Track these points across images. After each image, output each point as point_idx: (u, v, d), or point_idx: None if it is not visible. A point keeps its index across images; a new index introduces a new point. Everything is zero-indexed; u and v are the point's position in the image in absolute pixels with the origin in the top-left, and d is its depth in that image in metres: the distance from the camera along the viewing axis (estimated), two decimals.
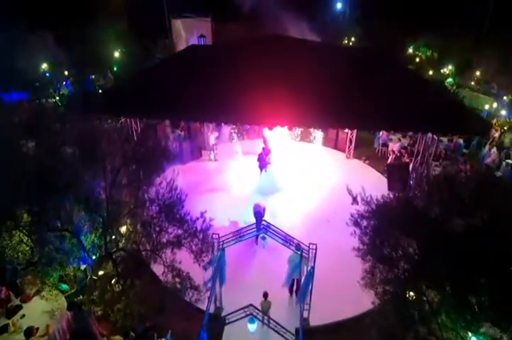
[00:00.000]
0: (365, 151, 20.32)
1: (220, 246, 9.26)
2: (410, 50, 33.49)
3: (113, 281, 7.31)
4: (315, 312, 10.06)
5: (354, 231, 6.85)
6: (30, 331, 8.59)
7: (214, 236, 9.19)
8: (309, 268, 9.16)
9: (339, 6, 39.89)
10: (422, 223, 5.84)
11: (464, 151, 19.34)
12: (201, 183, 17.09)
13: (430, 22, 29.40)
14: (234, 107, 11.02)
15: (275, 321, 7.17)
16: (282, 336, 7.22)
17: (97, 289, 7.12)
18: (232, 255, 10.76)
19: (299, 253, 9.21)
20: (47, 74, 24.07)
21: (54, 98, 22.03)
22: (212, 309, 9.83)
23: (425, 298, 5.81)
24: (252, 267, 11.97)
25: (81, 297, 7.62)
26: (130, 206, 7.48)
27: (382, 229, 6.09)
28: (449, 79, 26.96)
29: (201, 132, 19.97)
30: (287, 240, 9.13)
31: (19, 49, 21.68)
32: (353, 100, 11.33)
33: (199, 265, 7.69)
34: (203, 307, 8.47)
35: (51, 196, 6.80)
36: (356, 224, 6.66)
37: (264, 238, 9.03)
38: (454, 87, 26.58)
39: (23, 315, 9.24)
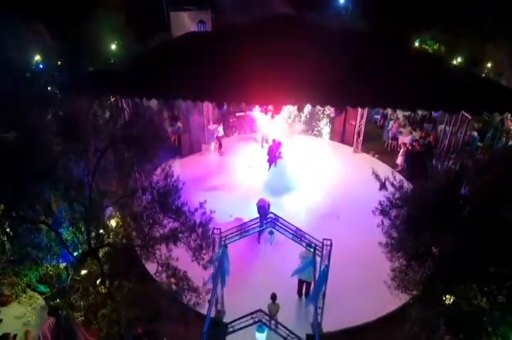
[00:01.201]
0: (373, 145, 19.27)
1: (222, 243, 8.21)
2: (417, 44, 32.50)
3: (97, 282, 6.24)
4: (328, 317, 9.02)
5: (382, 222, 5.78)
6: (5, 338, 7.56)
7: (215, 231, 8.15)
8: (323, 266, 8.10)
9: (342, 0, 39.04)
10: (470, 210, 4.79)
11: (479, 144, 18.31)
12: (201, 178, 16.00)
13: (436, 15, 28.47)
14: (235, 85, 9.93)
15: (288, 329, 6.11)
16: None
17: (78, 291, 6.06)
18: (236, 253, 9.73)
19: (311, 250, 8.16)
20: (41, 66, 23.16)
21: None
22: (213, 313, 8.84)
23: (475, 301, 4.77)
24: (257, 266, 10.93)
25: (58, 300, 6.52)
26: (118, 195, 6.42)
27: (418, 219, 5.04)
28: None
29: (201, 124, 18.95)
30: (297, 235, 8.07)
31: (12, 40, 20.80)
32: (374, 76, 10.21)
33: (198, 263, 6.64)
34: (203, 311, 7.43)
35: (25, 183, 5.76)
36: (384, 213, 5.57)
37: (271, 232, 8.02)
38: None
39: (0, 320, 8.21)
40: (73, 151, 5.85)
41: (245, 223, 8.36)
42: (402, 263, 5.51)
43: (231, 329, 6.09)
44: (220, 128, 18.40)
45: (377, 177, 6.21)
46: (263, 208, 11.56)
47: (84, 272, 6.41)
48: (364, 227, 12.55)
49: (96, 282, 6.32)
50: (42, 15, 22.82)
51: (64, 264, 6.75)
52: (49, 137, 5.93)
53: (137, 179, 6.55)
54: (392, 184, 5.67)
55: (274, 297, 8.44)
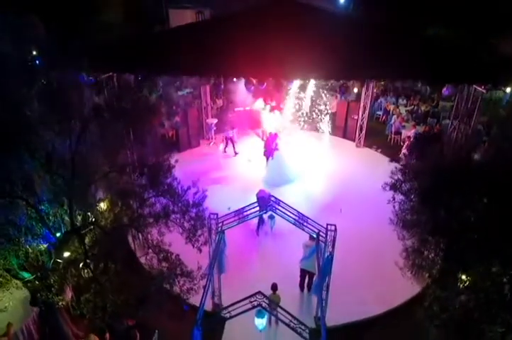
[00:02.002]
0: (376, 140, 18.76)
1: (219, 229, 7.68)
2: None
3: (81, 265, 5.70)
4: (332, 310, 8.45)
5: (393, 198, 5.25)
6: None
7: (212, 216, 7.63)
8: (327, 254, 7.56)
9: (342, 0, 38.80)
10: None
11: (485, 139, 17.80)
12: (199, 173, 15.32)
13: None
14: (247, 60, 9.35)
15: (290, 314, 5.55)
16: (300, 335, 5.59)
17: (59, 274, 5.51)
18: (234, 244, 9.18)
19: (314, 236, 7.62)
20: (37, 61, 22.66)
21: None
22: (209, 307, 8.28)
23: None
24: (257, 258, 10.39)
25: (37, 282, 5.94)
26: (105, 170, 5.89)
27: (434, 189, 4.52)
28: None
29: (199, 119, 18.51)
30: (300, 220, 7.54)
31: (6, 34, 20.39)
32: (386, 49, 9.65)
33: (193, 245, 6.11)
34: (198, 303, 6.88)
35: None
36: (395, 188, 5.05)
37: (271, 217, 7.48)
38: None
39: None
40: (55, 120, 5.32)
41: (243, 208, 7.82)
42: (416, 240, 4.98)
43: (228, 315, 5.53)
44: (233, 131, 17.50)
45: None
46: (263, 199, 11.01)
47: (67, 254, 5.86)
48: (369, 219, 12.17)
49: (79, 264, 5.76)
50: (41, 10, 22.40)
51: (46, 246, 6.18)
52: (30, 106, 5.42)
53: (127, 154, 5.99)
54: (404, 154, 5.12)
55: (274, 287, 7.88)
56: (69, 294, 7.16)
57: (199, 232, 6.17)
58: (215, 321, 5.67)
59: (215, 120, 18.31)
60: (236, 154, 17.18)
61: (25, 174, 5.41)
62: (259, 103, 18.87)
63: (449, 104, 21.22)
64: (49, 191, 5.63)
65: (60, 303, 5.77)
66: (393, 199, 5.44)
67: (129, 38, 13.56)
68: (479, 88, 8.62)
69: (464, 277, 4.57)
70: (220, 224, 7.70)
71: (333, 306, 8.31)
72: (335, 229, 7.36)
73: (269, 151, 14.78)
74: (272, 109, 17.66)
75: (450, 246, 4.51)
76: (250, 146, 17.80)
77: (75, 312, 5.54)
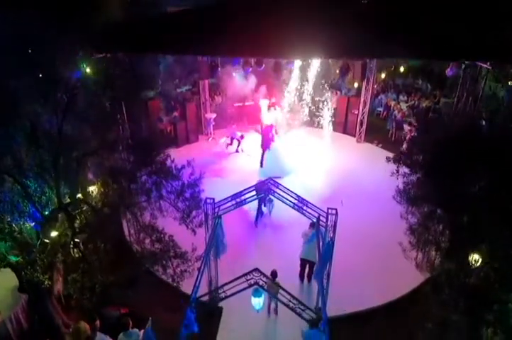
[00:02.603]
0: (377, 135, 18.51)
1: (216, 214, 7.40)
2: None
3: (70, 244, 5.41)
4: (332, 300, 8.15)
5: (397, 171, 4.99)
6: None
7: (208, 200, 7.35)
8: (327, 239, 7.28)
9: None
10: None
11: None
12: (197, 167, 15.20)
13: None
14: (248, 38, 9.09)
15: (290, 294, 5.25)
16: (300, 315, 5.30)
17: (47, 254, 5.23)
18: (231, 231, 8.89)
19: (314, 220, 7.34)
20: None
21: None
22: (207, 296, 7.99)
23: None
24: (255, 247, 10.11)
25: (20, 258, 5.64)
26: (94, 146, 5.63)
27: (441, 159, 4.26)
28: None
29: (198, 114, 18.29)
30: (300, 203, 7.26)
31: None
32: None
33: (187, 226, 5.83)
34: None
35: None
36: (399, 161, 4.79)
37: (270, 200, 7.19)
38: None
39: None
40: (40, 90, 5.06)
41: (240, 192, 7.55)
42: (422, 214, 4.71)
43: (222, 295, 5.24)
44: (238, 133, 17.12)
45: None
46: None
47: (54, 233, 5.58)
48: (370, 211, 11.90)
49: (68, 244, 5.48)
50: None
51: (33, 224, 5.88)
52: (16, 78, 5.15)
53: (119, 130, 5.73)
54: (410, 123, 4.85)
55: (274, 274, 7.58)
56: (58, 280, 6.87)
57: (194, 213, 5.88)
58: (210, 303, 5.36)
59: (213, 115, 18.08)
60: (238, 151, 16.91)
61: (11, 149, 5.15)
62: (259, 99, 18.67)
63: (450, 100, 21.04)
64: (36, 167, 5.36)
65: (46, 283, 5.44)
66: (397, 172, 5.16)
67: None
68: (484, 65, 8.36)
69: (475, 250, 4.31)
70: (216, 209, 7.42)
71: (334, 295, 8.02)
72: (336, 213, 7.08)
73: (266, 142, 14.56)
74: (272, 105, 17.42)
75: (460, 218, 4.25)
76: (249, 140, 17.53)
77: (66, 292, 5.18)
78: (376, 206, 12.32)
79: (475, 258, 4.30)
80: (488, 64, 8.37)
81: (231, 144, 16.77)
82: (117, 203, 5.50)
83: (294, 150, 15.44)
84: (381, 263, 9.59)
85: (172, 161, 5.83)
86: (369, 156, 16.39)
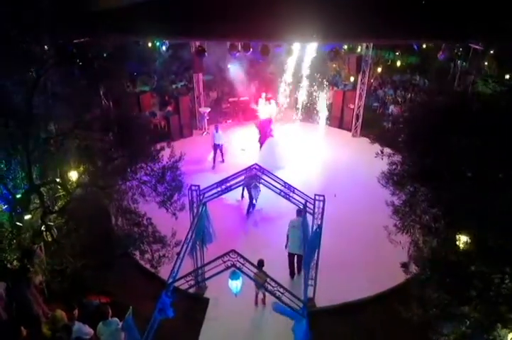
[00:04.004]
0: (373, 130, 18.24)
1: (200, 201, 7.19)
2: None
3: (42, 227, 5.20)
4: (321, 291, 7.96)
5: (381, 152, 4.79)
6: None
7: (193, 187, 7.15)
8: (315, 227, 7.07)
9: None
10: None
11: None
12: (191, 162, 14.82)
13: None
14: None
15: (277, 283, 5.02)
16: (286, 304, 5.07)
17: (17, 235, 5.01)
18: (217, 218, 8.60)
19: (301, 206, 7.13)
20: None
21: None
22: (193, 290, 7.76)
23: None
24: (244, 239, 9.86)
25: None
26: (70, 124, 5.42)
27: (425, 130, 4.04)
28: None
29: (192, 108, 18.10)
30: (287, 189, 7.04)
31: None
32: None
33: (167, 209, 5.62)
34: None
35: None
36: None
37: (256, 186, 6.95)
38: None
39: None
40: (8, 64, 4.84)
41: (226, 178, 7.33)
42: (406, 193, 4.50)
43: (199, 279, 5.01)
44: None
45: None
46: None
47: (27, 216, 5.38)
48: (362, 203, 11.67)
49: (39, 227, 5.27)
50: None
51: (4, 207, 5.66)
52: None
53: (97, 110, 5.52)
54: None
55: (261, 263, 7.35)
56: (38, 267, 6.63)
57: (175, 197, 5.67)
58: (195, 293, 5.12)
59: (208, 109, 17.87)
60: (223, 161, 15.00)
61: None
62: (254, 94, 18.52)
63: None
64: (6, 147, 5.15)
65: (23, 269, 5.21)
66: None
67: None
68: (475, 47, 8.16)
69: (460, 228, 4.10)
70: (201, 196, 7.21)
71: (322, 285, 7.82)
72: (324, 199, 6.87)
73: (263, 137, 14.35)
74: (267, 99, 17.22)
75: (445, 194, 4.04)
76: (244, 135, 17.32)
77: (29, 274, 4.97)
78: (369, 197, 12.09)
79: (459, 236, 4.10)
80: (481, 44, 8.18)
81: (215, 155, 14.66)
82: (91, 185, 5.29)
83: (289, 145, 15.22)
84: (372, 252, 9.37)
85: (152, 143, 5.60)
86: (365, 150, 16.14)
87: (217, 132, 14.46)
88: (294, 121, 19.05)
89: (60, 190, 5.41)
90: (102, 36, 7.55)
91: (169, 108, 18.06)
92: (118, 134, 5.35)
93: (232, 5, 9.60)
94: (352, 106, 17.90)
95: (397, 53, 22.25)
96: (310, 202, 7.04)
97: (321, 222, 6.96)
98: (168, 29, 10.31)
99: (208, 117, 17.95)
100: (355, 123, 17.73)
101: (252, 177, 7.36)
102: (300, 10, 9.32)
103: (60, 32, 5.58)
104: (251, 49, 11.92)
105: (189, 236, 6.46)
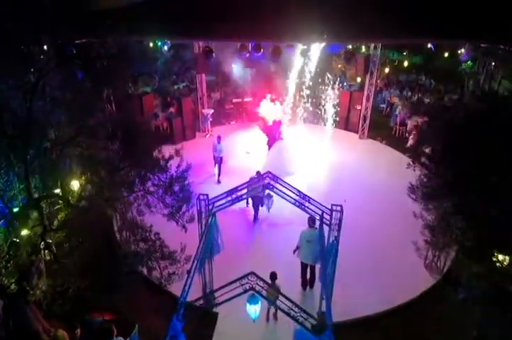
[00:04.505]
0: (380, 131, 17.88)
1: (209, 211, 6.76)
2: None
3: (41, 244, 4.78)
4: (337, 304, 7.53)
5: (413, 162, 4.36)
6: None
7: (201, 197, 6.72)
8: (331, 239, 6.65)
9: None
10: None
11: None
12: (195, 166, 14.32)
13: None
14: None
15: (291, 301, 4.62)
16: (302, 324, 4.66)
17: (14, 255, 4.60)
18: (227, 231, 8.21)
19: (317, 218, 6.71)
20: None
21: None
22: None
23: None
24: (252, 245, 9.45)
25: None
26: (72, 132, 5.00)
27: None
28: (468, 62, 24.64)
29: (195, 109, 17.68)
30: (302, 198, 6.63)
31: None
32: None
33: (176, 222, 5.21)
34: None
35: None
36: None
37: (269, 196, 6.50)
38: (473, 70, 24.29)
39: None
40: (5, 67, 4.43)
41: (236, 187, 6.91)
42: (441, 209, 4.08)
43: (215, 302, 4.61)
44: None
45: None
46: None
47: (24, 232, 4.95)
48: (375, 210, 11.27)
49: (39, 244, 4.86)
50: None
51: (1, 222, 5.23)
52: None
53: (100, 116, 5.10)
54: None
55: (273, 276, 6.94)
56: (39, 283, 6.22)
57: (184, 208, 5.25)
58: (204, 308, 4.72)
59: (211, 111, 17.44)
60: (219, 182, 13.17)
61: None
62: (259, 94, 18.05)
63: (455, 97, 20.45)
64: (3, 157, 4.73)
65: (21, 287, 4.80)
66: (413, 163, 4.55)
67: None
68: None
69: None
70: (210, 206, 6.79)
71: (339, 298, 7.40)
72: (341, 209, 6.45)
73: (272, 140, 13.87)
74: (272, 100, 16.78)
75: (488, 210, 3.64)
76: (248, 138, 16.88)
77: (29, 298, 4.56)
78: (381, 204, 11.72)
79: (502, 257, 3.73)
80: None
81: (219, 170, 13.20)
82: (95, 197, 4.87)
83: (295, 147, 14.78)
84: (389, 264, 8.98)
85: (159, 152, 5.19)
86: (373, 153, 15.79)
87: (219, 143, 13.10)
88: (299, 123, 18.62)
89: (61, 203, 4.99)
90: (102, 36, 7.15)
91: (172, 110, 17.63)
92: (124, 142, 4.92)
93: (235, 4, 9.22)
94: (359, 107, 17.49)
95: (404, 53, 21.79)
96: (326, 213, 6.62)
97: (338, 234, 6.54)
98: (168, 29, 9.90)
99: (211, 119, 17.53)
100: (362, 125, 17.31)
101: (265, 186, 6.88)
102: (308, 9, 8.94)
103: (60, 32, 5.18)
104: (262, 50, 11.48)
105: (199, 251, 6.04)
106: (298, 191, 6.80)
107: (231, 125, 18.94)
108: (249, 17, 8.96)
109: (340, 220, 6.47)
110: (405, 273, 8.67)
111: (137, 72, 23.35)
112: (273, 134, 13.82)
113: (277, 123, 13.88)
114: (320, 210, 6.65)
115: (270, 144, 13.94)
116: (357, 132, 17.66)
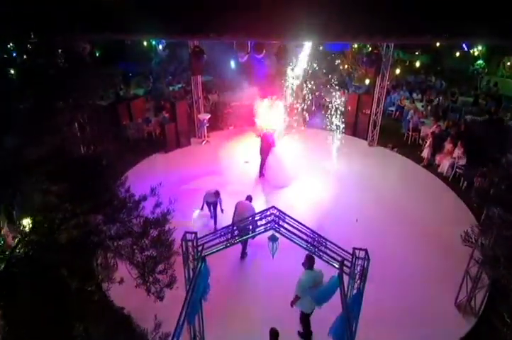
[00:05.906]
0: (391, 138, 16.45)
1: (197, 255, 5.34)
2: None
3: None
4: None
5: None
6: None
7: (188, 235, 5.29)
8: (354, 291, 5.26)
9: None
10: None
11: None
12: (189, 177, 12.91)
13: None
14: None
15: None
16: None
17: None
18: (216, 268, 6.78)
19: (337, 265, 5.30)
20: None
21: None
22: None
23: None
24: (249, 293, 7.98)
25: None
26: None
27: None
28: (479, 61, 23.35)
29: (190, 114, 16.29)
30: (316, 242, 5.22)
31: None
32: None
33: (148, 291, 3.80)
34: None
35: None
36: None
37: (274, 239, 5.14)
38: (486, 70, 23.10)
39: None
40: None
41: (233, 224, 5.50)
42: None
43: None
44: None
45: None
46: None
47: None
48: (392, 231, 9.87)
49: None
50: None
51: None
52: None
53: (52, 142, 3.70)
54: None
55: (275, 334, 5.54)
56: None
57: (160, 267, 3.85)
58: None
59: (208, 116, 16.02)
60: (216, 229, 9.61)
61: None
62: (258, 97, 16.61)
63: (469, 99, 19.18)
64: None
65: None
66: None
67: None
68: None
69: None
70: (200, 248, 5.37)
71: None
72: (367, 256, 5.05)
73: (266, 148, 12.64)
74: (272, 104, 15.34)
75: None
76: (246, 146, 15.39)
77: None
78: (398, 223, 10.35)
79: None
80: None
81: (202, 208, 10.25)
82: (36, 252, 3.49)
83: (298, 155, 13.37)
84: (416, 309, 7.55)
85: (127, 191, 3.79)
86: (385, 162, 14.37)
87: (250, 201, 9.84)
88: (302, 128, 17.17)
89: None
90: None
91: (165, 114, 16.23)
92: (78, 183, 3.54)
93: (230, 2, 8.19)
94: (367, 112, 16.09)
95: (416, 53, 20.46)
96: (347, 260, 5.22)
97: (363, 285, 5.15)
98: (160, 27, 8.86)
99: (207, 124, 16.11)
100: (372, 131, 15.90)
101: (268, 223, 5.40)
102: (310, 6, 7.90)
103: None
104: (264, 51, 10.07)
105: (186, 305, 4.62)
106: (312, 232, 5.37)
107: (229, 130, 17.50)
108: (243, 15, 8.01)
109: (366, 269, 5.08)
110: (438, 317, 7.32)
111: (130, 73, 22.08)
112: (266, 143, 12.58)
113: (269, 135, 12.64)
114: (339, 255, 5.24)
115: (264, 154, 12.66)
116: (365, 139, 16.25)
